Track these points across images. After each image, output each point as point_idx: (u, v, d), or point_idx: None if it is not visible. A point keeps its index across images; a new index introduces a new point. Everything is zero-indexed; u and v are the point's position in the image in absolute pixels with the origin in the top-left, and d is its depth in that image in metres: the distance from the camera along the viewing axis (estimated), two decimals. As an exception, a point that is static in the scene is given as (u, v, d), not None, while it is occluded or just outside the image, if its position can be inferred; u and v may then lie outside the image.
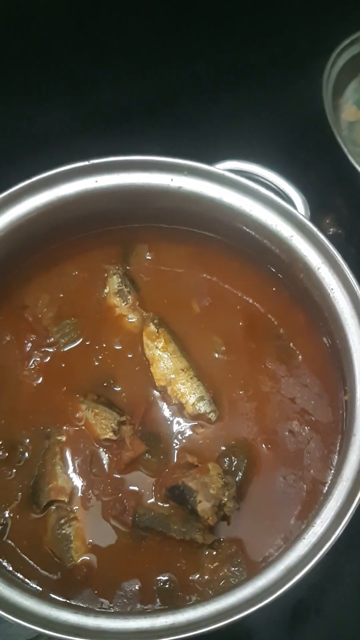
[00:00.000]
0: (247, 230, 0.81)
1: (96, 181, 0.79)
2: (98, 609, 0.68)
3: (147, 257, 0.89)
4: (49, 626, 0.61)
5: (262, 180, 0.81)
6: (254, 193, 0.77)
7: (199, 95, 1.09)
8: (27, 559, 0.73)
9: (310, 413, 0.80)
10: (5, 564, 0.72)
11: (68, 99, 1.06)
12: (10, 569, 0.72)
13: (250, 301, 0.86)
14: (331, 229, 1.03)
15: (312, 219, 0.76)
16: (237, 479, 0.75)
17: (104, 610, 0.68)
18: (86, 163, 0.78)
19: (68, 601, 0.69)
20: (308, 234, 0.75)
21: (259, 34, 1.12)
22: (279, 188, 0.81)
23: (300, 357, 0.83)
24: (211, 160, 0.80)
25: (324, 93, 1.04)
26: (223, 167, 0.80)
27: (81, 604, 0.69)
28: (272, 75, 1.09)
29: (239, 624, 0.85)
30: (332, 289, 0.74)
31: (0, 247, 0.79)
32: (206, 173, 0.78)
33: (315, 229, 0.74)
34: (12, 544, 0.74)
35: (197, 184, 0.79)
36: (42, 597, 0.65)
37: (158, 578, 0.72)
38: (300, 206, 0.80)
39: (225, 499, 0.72)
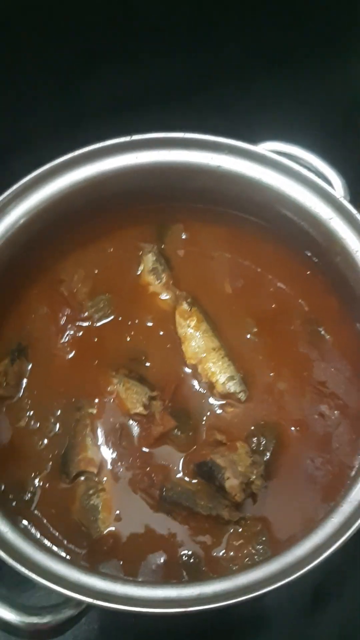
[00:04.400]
0: (285, 212, 0.80)
1: (137, 157, 0.80)
2: (125, 578, 0.69)
3: (182, 237, 0.89)
4: (78, 590, 0.62)
5: (302, 162, 0.80)
6: (294, 174, 0.77)
7: (236, 78, 1.08)
8: (53, 530, 0.74)
9: (341, 397, 0.80)
10: (33, 530, 0.74)
11: (107, 78, 1.06)
12: (39, 536, 0.73)
13: (284, 284, 0.86)
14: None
15: (352, 204, 0.76)
16: (265, 459, 0.76)
17: (131, 579, 0.69)
18: (128, 139, 0.79)
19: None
20: (347, 216, 0.75)
21: (298, 19, 1.11)
22: (318, 170, 0.80)
23: (332, 341, 0.83)
24: (247, 142, 0.80)
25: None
26: (263, 147, 0.80)
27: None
28: (312, 61, 1.08)
29: (259, 607, 0.86)
30: (370, 273, 0.74)
31: (39, 221, 0.79)
32: (247, 152, 0.78)
33: (355, 212, 0.74)
34: (40, 514, 0.75)
35: (237, 163, 0.79)
36: (70, 562, 0.66)
37: (183, 552, 0.73)
38: (340, 189, 0.79)
39: (254, 477, 0.72)
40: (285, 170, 0.78)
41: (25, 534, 0.67)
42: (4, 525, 0.65)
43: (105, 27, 1.07)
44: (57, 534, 0.74)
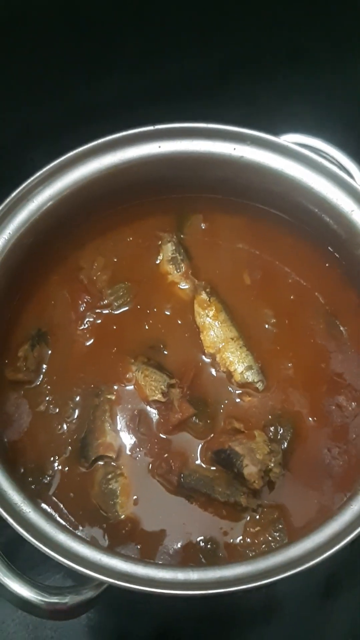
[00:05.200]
0: (306, 203, 0.81)
1: (159, 147, 0.80)
2: (146, 560, 0.70)
3: (202, 227, 0.89)
4: (100, 571, 0.62)
5: (323, 154, 0.81)
6: (316, 166, 0.78)
7: (257, 72, 1.08)
8: (71, 513, 0.75)
9: (358, 389, 0.80)
10: (52, 513, 0.74)
11: (129, 71, 1.07)
12: (58, 518, 0.74)
13: (302, 277, 0.86)
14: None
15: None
16: (282, 447, 0.76)
17: (152, 561, 0.70)
18: (151, 128, 0.79)
19: (113, 552, 0.70)
20: (370, 209, 0.75)
21: (319, 13, 1.11)
22: (340, 163, 0.81)
23: (350, 334, 0.83)
24: (269, 134, 0.80)
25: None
26: (285, 139, 0.80)
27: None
28: (333, 54, 1.08)
29: (272, 595, 0.87)
30: (391, 265, 0.74)
31: (61, 207, 0.80)
32: (270, 144, 0.78)
33: (377, 204, 0.75)
34: (58, 498, 0.76)
35: (260, 154, 0.79)
36: (92, 544, 0.66)
37: (200, 538, 0.73)
38: (361, 182, 0.80)
39: (272, 465, 0.73)
40: (308, 162, 0.78)
41: (46, 515, 0.67)
42: (27, 505, 0.66)
43: (127, 19, 1.07)
44: (74, 518, 0.75)
